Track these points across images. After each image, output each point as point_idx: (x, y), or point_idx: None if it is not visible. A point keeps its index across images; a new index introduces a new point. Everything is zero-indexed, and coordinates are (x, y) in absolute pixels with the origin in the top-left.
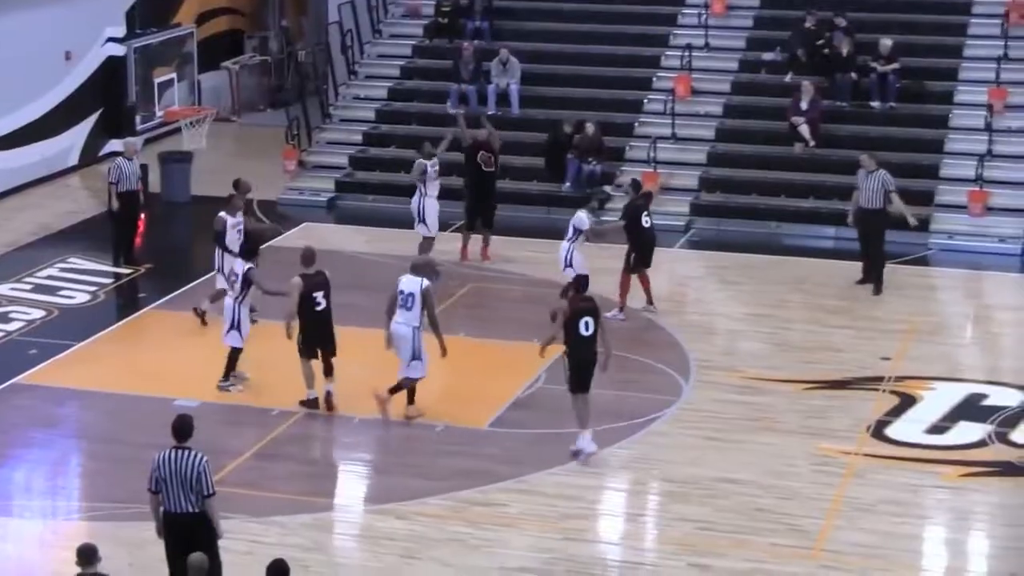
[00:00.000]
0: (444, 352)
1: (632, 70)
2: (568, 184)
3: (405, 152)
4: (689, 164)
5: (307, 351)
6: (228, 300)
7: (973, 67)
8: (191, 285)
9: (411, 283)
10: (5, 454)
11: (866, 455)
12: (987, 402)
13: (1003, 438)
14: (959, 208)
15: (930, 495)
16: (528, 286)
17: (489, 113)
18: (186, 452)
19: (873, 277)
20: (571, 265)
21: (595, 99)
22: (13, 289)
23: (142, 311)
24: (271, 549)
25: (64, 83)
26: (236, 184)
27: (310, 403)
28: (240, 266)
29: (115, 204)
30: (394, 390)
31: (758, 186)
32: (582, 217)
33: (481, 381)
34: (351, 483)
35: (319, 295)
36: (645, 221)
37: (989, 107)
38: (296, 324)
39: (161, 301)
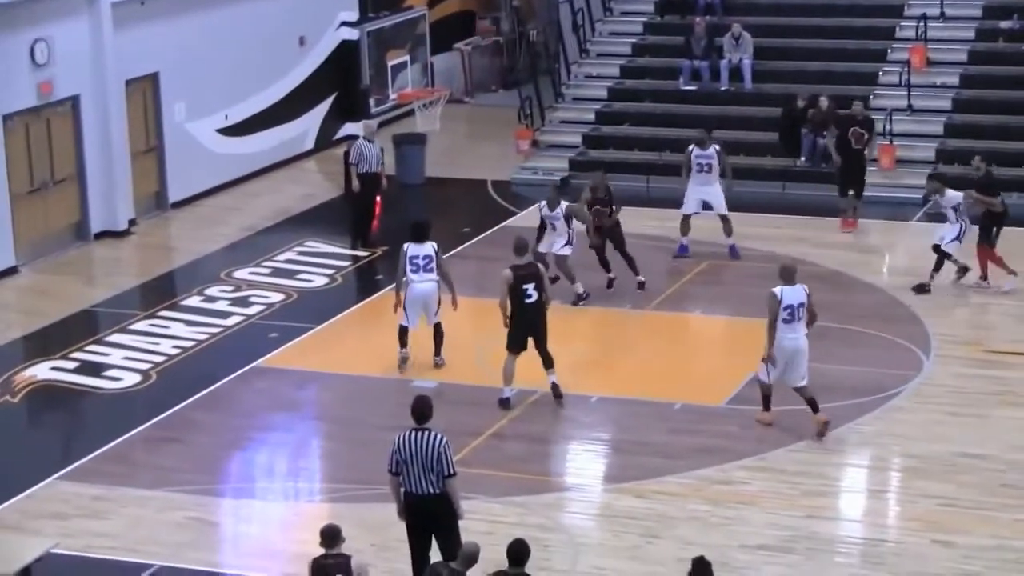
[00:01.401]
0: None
1: (866, 42)
2: (803, 159)
3: (639, 130)
4: (926, 136)
5: (515, 346)
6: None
7: None
8: None
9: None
10: (247, 437)
11: None
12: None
13: None
14: None
15: None
16: (763, 262)
17: (722, 89)
18: (426, 433)
19: None
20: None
21: (829, 72)
22: (252, 273)
23: (379, 293)
24: (511, 529)
25: (299, 68)
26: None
27: (503, 403)
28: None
29: (356, 185)
30: None
31: (997, 157)
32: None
33: (717, 359)
34: (589, 462)
35: (530, 287)
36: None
37: None
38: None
39: None
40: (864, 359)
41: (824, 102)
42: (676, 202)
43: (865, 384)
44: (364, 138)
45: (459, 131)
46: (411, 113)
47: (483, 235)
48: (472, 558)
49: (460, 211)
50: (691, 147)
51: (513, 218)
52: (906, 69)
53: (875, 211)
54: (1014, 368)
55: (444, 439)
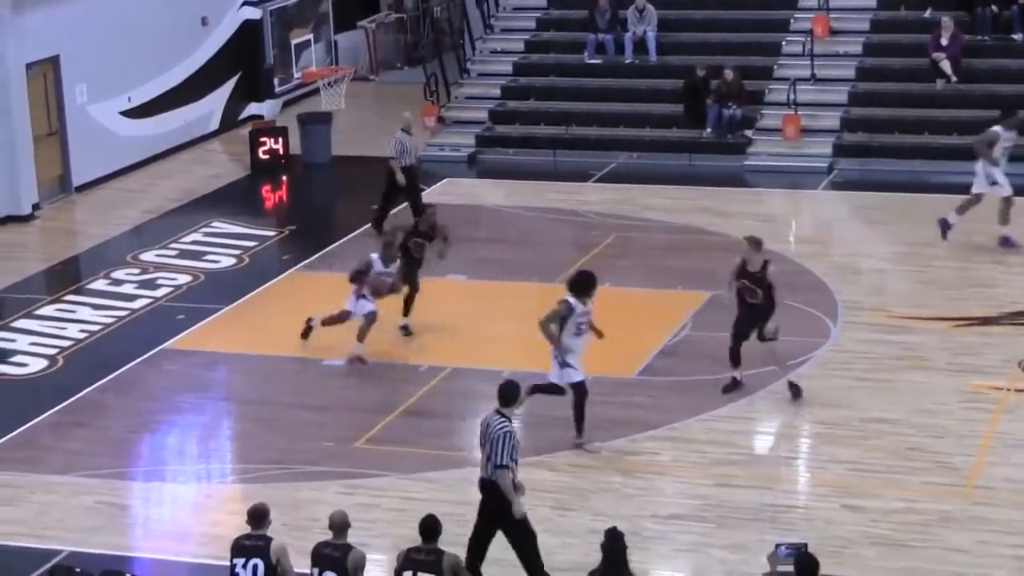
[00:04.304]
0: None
1: (769, 12)
2: (709, 130)
3: (545, 104)
4: (830, 105)
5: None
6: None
7: None
8: (334, 246)
9: None
10: (156, 419)
11: (1018, 391)
12: None
13: None
14: None
15: None
16: (671, 233)
17: (627, 61)
18: (496, 418)
19: None
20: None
21: (732, 43)
22: (159, 255)
23: (286, 273)
24: (424, 505)
25: (202, 49)
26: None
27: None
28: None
29: (401, 179)
30: None
31: (900, 124)
32: None
33: (627, 330)
34: None
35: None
36: None
37: None
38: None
39: (304, 263)
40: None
41: (730, 74)
42: (583, 175)
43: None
44: (403, 130)
45: (364, 109)
46: (316, 92)
47: (391, 213)
48: (340, 524)
49: (368, 189)
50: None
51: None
52: (809, 38)
53: (780, 180)
54: (919, 333)
55: (505, 428)
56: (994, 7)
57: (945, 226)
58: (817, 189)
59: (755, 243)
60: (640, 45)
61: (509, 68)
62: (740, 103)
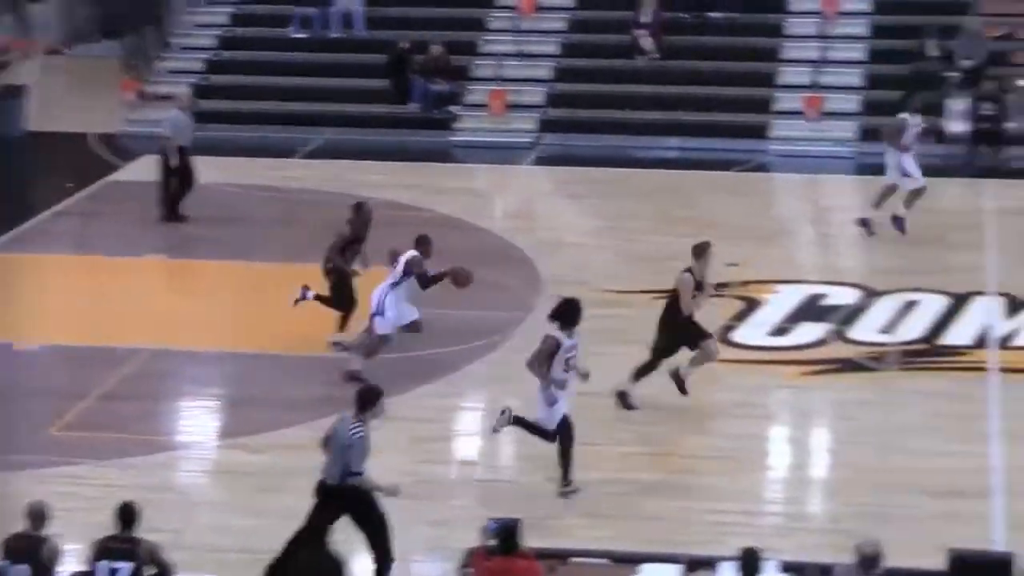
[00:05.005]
0: None
1: None
2: (415, 104)
3: (251, 79)
4: (536, 80)
5: None
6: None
7: None
8: (31, 223)
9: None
10: None
11: (720, 361)
12: (826, 302)
13: (842, 336)
14: (796, 114)
15: (775, 395)
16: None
17: (333, 36)
18: (351, 422)
19: None
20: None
21: (438, 18)
22: None
23: None
24: (124, 492)
25: None
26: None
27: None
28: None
29: (174, 161)
30: None
31: (604, 100)
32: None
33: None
34: (203, 419)
35: None
36: None
37: (821, 14)
38: None
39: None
40: (479, 302)
41: (436, 49)
42: (290, 151)
43: (480, 327)
44: (179, 109)
45: (59, 83)
46: (7, 65)
47: (87, 190)
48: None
49: (62, 166)
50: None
51: (118, 172)
52: (515, 14)
53: (486, 155)
54: (624, 305)
55: (358, 432)
56: None
57: (866, 224)
58: (523, 164)
59: (701, 249)
60: (347, 19)
61: (214, 42)
62: (446, 78)
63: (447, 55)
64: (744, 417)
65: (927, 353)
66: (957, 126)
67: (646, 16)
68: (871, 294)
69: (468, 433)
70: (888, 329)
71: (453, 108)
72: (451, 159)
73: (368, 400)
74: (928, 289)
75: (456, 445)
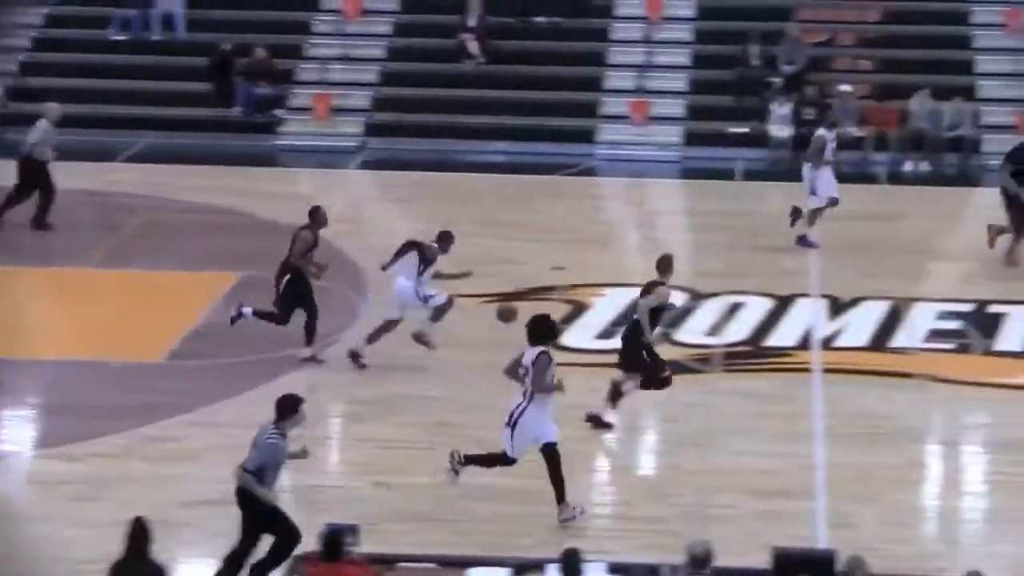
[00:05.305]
0: None
1: None
2: (239, 108)
3: (69, 81)
4: (361, 84)
5: None
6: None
7: None
8: None
9: None
10: None
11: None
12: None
13: (668, 338)
14: (622, 119)
15: (602, 397)
16: (201, 214)
17: (154, 38)
18: (270, 428)
19: None
20: None
21: (262, 21)
22: None
23: None
24: None
25: None
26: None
27: None
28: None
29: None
30: None
31: (430, 104)
32: None
33: (157, 314)
34: (17, 428)
35: None
36: None
37: (647, 19)
38: None
39: None
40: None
41: (260, 52)
42: (111, 155)
43: (302, 333)
44: (48, 120)
45: None
46: None
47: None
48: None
49: None
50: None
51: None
52: (340, 17)
53: (311, 159)
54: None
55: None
56: None
57: (805, 242)
58: (348, 168)
59: (665, 263)
60: (168, 21)
61: (28, 43)
62: (270, 82)
63: (271, 58)
64: (572, 420)
65: (751, 355)
66: (780, 131)
67: (472, 20)
68: (697, 297)
69: (292, 439)
70: (713, 331)
71: (277, 112)
72: (276, 163)
73: (287, 409)
74: (753, 292)
75: None
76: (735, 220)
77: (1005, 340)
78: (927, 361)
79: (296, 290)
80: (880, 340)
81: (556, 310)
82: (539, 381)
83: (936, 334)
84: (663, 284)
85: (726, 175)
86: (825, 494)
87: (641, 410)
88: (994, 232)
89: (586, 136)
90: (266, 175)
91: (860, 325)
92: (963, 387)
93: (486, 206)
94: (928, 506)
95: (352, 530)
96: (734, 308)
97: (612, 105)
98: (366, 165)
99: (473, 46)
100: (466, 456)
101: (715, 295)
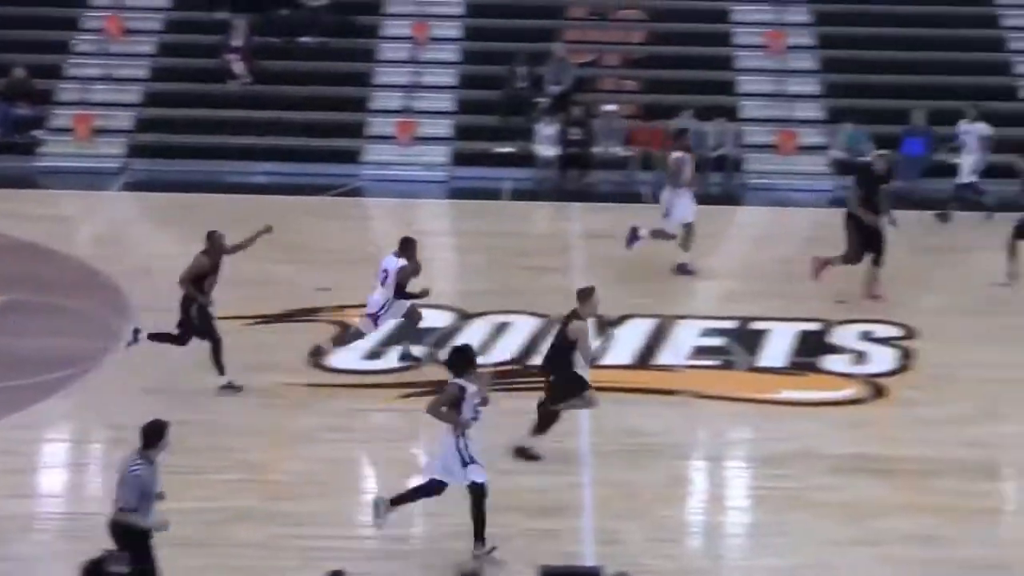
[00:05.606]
0: None
1: (56, 9)
2: None
3: None
4: (124, 105)
5: None
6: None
7: (397, 0)
8: None
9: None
10: None
11: (308, 385)
12: (422, 324)
13: (435, 359)
14: (389, 139)
15: (368, 419)
16: None
17: None
18: (134, 459)
19: None
20: None
21: (20, 40)
22: None
23: None
24: None
25: None
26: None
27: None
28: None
29: None
30: None
31: (195, 125)
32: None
33: None
34: None
35: None
36: None
37: (413, 39)
38: None
39: None
40: (62, 331)
41: (19, 72)
42: None
43: (64, 356)
44: None
45: None
46: None
47: None
48: None
49: None
50: None
51: None
52: (103, 37)
53: (73, 181)
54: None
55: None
56: (285, 10)
57: (684, 270)
58: (111, 190)
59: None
60: None
61: None
62: (29, 102)
63: (30, 79)
64: (337, 441)
65: (518, 374)
66: (546, 150)
67: (237, 40)
68: (464, 316)
69: (52, 466)
70: (481, 351)
71: (37, 133)
72: (36, 185)
73: (152, 436)
74: (519, 311)
75: (37, 478)
76: (502, 240)
77: (767, 356)
78: (691, 378)
79: (196, 314)
80: (645, 358)
81: (323, 332)
82: (435, 405)
83: (700, 351)
84: (580, 318)
85: (493, 195)
86: (592, 511)
87: (410, 431)
88: (819, 264)
89: (353, 156)
90: (26, 197)
91: (625, 343)
92: (727, 403)
93: (251, 227)
94: (693, 521)
95: (118, 559)
96: (501, 327)
97: (379, 125)
98: (128, 187)
99: (239, 66)
100: (391, 499)
101: (482, 315)
